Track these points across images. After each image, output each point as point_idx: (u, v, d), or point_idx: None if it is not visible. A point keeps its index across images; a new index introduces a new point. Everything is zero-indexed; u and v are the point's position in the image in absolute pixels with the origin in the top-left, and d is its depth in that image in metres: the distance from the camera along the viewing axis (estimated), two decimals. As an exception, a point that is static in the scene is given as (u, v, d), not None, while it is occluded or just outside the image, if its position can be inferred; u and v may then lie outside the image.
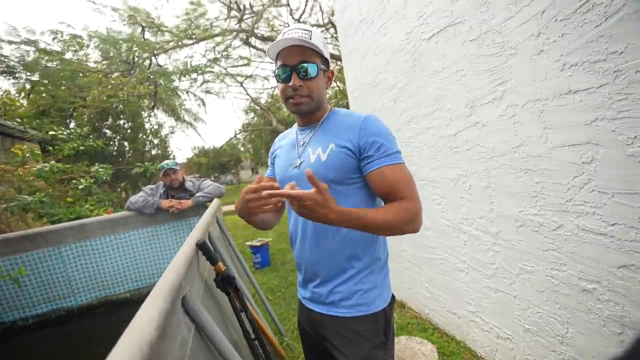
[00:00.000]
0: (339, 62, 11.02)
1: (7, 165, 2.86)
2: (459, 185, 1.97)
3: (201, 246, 1.08)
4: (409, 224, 0.86)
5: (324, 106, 1.01)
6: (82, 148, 3.49)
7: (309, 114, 0.99)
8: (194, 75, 10.51)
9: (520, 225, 1.59)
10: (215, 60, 10.29)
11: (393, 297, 1.01)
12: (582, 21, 1.19)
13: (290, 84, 0.91)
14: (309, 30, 0.93)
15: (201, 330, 0.80)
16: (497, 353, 1.85)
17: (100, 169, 3.34)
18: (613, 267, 1.21)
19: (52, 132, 3.51)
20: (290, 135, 1.10)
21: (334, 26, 9.90)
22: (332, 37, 10.99)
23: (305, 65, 0.91)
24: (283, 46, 0.92)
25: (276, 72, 0.96)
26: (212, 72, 10.70)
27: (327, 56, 0.97)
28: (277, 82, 0.97)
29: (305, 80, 0.92)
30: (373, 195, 0.96)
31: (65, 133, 3.46)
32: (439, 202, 2.16)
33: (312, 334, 1.03)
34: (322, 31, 10.79)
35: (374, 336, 0.92)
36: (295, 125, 1.09)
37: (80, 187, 3.13)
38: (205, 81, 11.10)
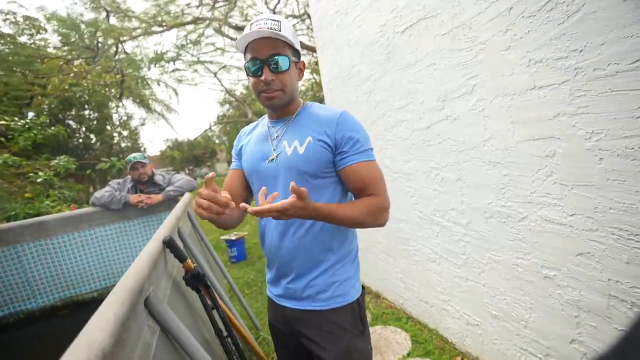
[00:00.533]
0: (314, 54, 10.93)
1: (-46, 158, 2.62)
2: (431, 177, 2.01)
3: (168, 243, 1.03)
4: (376, 219, 0.92)
5: (296, 99, 1.00)
6: (40, 137, 3.25)
7: (283, 107, 0.97)
8: (164, 63, 10.07)
9: (489, 217, 1.65)
10: (183, 47, 9.89)
11: (363, 287, 1.04)
12: (547, 19, 1.23)
13: (262, 78, 0.89)
14: (278, 21, 0.90)
15: (167, 331, 0.77)
16: (466, 339, 1.93)
17: (62, 162, 3.14)
18: (572, 255, 1.28)
19: (2, 122, 3.25)
20: (259, 128, 1.07)
21: (309, 17, 9.78)
22: (308, 28, 10.86)
23: (276, 58, 0.88)
24: (252, 38, 0.88)
25: (246, 65, 0.92)
26: (182, 59, 10.30)
27: (298, 47, 0.95)
28: (248, 75, 0.94)
29: (277, 74, 0.90)
30: (345, 190, 0.99)
31: (19, 123, 3.20)
32: (412, 194, 2.20)
33: (285, 332, 1.02)
34: (297, 22, 10.64)
35: (352, 326, 0.94)
36: (265, 118, 1.07)
37: (39, 180, 2.92)
38: (176, 69, 10.67)
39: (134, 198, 2.47)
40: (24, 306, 2.20)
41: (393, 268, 2.57)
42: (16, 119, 3.32)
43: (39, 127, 3.27)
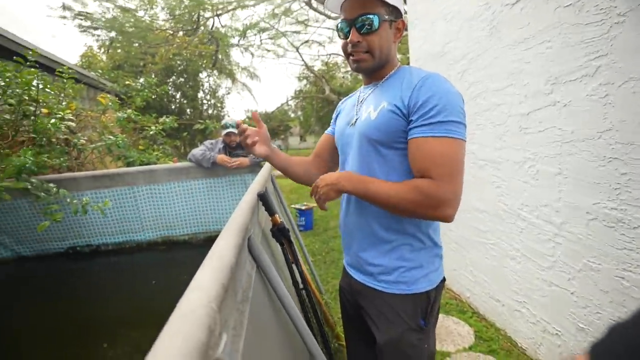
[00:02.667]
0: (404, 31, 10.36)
1: (93, 112, 3.22)
2: (524, 168, 1.83)
3: (262, 197, 1.14)
4: (425, 208, 0.76)
5: (391, 62, 0.91)
6: (153, 97, 3.81)
7: (374, 71, 0.91)
8: (255, 32, 10.62)
9: (592, 219, 1.45)
10: (275, 16, 10.24)
11: (444, 280, 0.94)
12: None
13: (349, 39, 0.84)
14: None
15: (262, 270, 0.88)
16: (541, 347, 1.79)
17: (167, 120, 3.63)
18: (702, 276, 1.07)
19: (127, 82, 3.86)
20: (356, 93, 1.05)
21: (400, -10, 9.24)
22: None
23: (363, 17, 0.82)
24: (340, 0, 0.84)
25: (338, 26, 0.88)
26: (270, 28, 10.71)
27: (397, 4, 0.85)
28: (340, 38, 0.90)
29: (365, 35, 0.83)
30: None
31: (139, 84, 3.78)
32: (499, 185, 2.03)
33: (350, 301, 1.03)
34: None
35: (411, 318, 0.87)
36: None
37: (151, 132, 3.43)
38: (262, 40, 11.18)
39: (220, 158, 2.75)
40: (136, 237, 2.69)
41: (463, 259, 2.46)
42: (136, 80, 3.93)
43: (151, 87, 3.80)
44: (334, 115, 1.13)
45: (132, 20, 9.23)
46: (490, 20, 2.00)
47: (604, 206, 1.40)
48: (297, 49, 12.87)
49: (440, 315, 2.27)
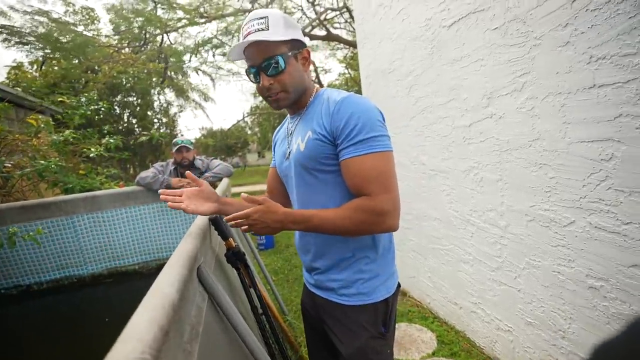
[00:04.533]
0: (352, 48, 10.81)
1: (22, 135, 2.90)
2: (470, 177, 1.96)
3: (214, 221, 1.09)
4: (369, 225, 0.80)
5: (308, 89, 0.94)
6: (89, 113, 3.53)
7: (293, 105, 0.94)
8: (207, 49, 10.41)
9: (530, 220, 1.58)
10: (223, 35, 10.16)
11: (399, 285, 0.98)
12: (615, 12, 1.15)
13: (261, 84, 0.87)
14: (264, 17, 0.84)
15: (214, 300, 0.83)
16: (496, 344, 1.88)
17: (111, 140, 3.39)
18: (623, 266, 1.20)
19: (60, 99, 3.54)
20: (284, 124, 1.07)
21: (348, 10, 9.68)
22: (346, 21, 10.76)
23: (269, 61, 0.84)
24: (243, 47, 0.86)
25: (247, 72, 0.90)
26: (221, 46, 10.58)
27: (297, 36, 0.88)
28: (252, 82, 0.92)
29: (274, 76, 0.85)
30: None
31: (74, 100, 3.48)
32: (449, 192, 2.15)
33: (314, 316, 1.04)
34: (336, 15, 10.58)
35: (372, 326, 0.89)
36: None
37: (92, 155, 3.16)
38: (214, 55, 10.99)
39: (176, 182, 2.61)
40: (77, 271, 2.42)
41: (422, 267, 2.54)
42: (72, 97, 3.61)
43: (89, 103, 3.53)
44: (272, 148, 1.14)
45: (71, 35, 8.62)
46: (431, 40, 2.16)
47: (539, 208, 1.53)
48: (252, 65, 12.86)
49: (403, 324, 2.30)
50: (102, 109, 3.89)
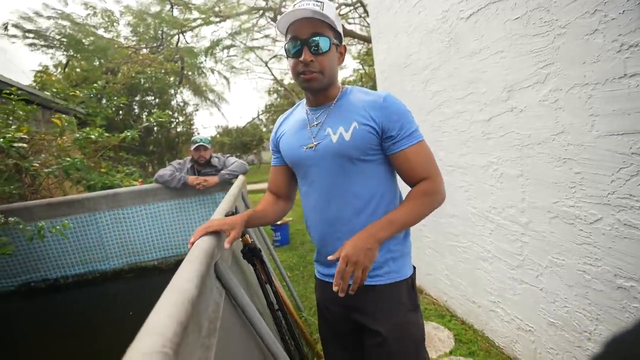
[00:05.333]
0: (365, 44, 10.70)
1: (48, 135, 3.01)
2: (489, 172, 1.90)
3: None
4: (435, 202, 0.92)
5: (336, 84, 0.98)
6: (111, 112, 3.65)
7: (321, 92, 0.95)
8: (219, 51, 10.54)
9: (553, 217, 1.52)
10: (237, 34, 10.24)
11: (414, 268, 1.03)
12: (647, -3, 1.08)
13: (302, 58, 0.87)
14: (321, 2, 0.87)
15: (231, 296, 0.83)
16: (516, 344, 1.83)
17: (128, 133, 3.48)
18: (655, 265, 1.14)
19: (73, 94, 3.67)
20: (296, 115, 1.05)
21: (362, 5, 9.57)
22: (360, 16, 10.64)
23: (317, 39, 0.86)
24: (294, 18, 0.87)
25: (286, 46, 0.91)
26: (236, 46, 10.69)
27: (340, 30, 0.93)
28: (287, 57, 0.93)
29: (317, 55, 0.87)
30: (392, 171, 0.98)
31: (88, 95, 3.59)
32: (467, 189, 2.10)
33: (335, 311, 1.02)
34: (350, 10, 10.48)
35: (408, 300, 0.95)
36: (303, 104, 1.05)
37: (109, 147, 3.22)
38: (228, 57, 11.10)
39: (192, 179, 2.65)
40: (100, 267, 2.51)
41: (439, 264, 2.50)
42: (84, 91, 3.72)
43: (110, 102, 3.63)
44: (272, 144, 1.11)
45: (92, 38, 8.88)
46: (448, 33, 2.10)
47: (563, 204, 1.47)
48: (266, 63, 12.93)
49: (421, 322, 2.27)
50: (122, 105, 3.99)
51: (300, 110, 1.05)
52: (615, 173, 1.23)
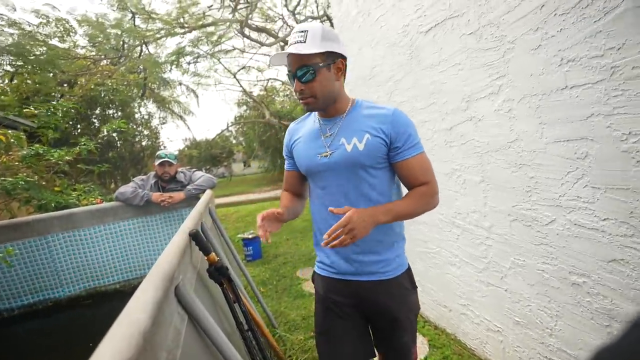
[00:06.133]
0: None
1: (-11, 152, 2.76)
2: (453, 179, 1.98)
3: (194, 236, 1.05)
4: (430, 204, 1.06)
5: (342, 97, 1.08)
6: (62, 122, 3.35)
7: (323, 109, 1.07)
8: (183, 61, 10.29)
9: (513, 220, 1.60)
10: (200, 41, 10.08)
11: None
12: (581, 16, 1.19)
13: (294, 87, 1.01)
14: (304, 32, 0.98)
15: (194, 320, 0.79)
16: (486, 345, 1.88)
17: (84, 145, 3.24)
18: (603, 262, 1.23)
19: (26, 110, 3.38)
20: (308, 125, 1.16)
21: (329, 19, 9.80)
22: (327, 29, 10.88)
23: (302, 69, 0.98)
24: (284, 56, 1.01)
25: (287, 75, 1.06)
26: (200, 54, 10.50)
27: (333, 48, 1.00)
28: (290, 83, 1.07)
29: (305, 83, 0.99)
30: (393, 176, 1.11)
31: (43, 110, 3.30)
32: (433, 196, 2.16)
33: (345, 302, 1.12)
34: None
35: (409, 284, 1.14)
36: (315, 115, 1.15)
37: (53, 160, 2.95)
38: (195, 61, 10.86)
39: (156, 197, 2.53)
40: (52, 294, 2.30)
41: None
42: (40, 107, 3.42)
43: (62, 110, 3.37)
44: (286, 150, 1.23)
45: (43, 48, 8.35)
46: (409, 46, 2.19)
47: (521, 207, 1.55)
48: (235, 75, 12.80)
49: (395, 330, 2.28)
50: (72, 109, 3.71)
51: (313, 120, 1.16)
52: (564, 177, 1.32)
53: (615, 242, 1.18)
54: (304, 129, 1.17)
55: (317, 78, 0.99)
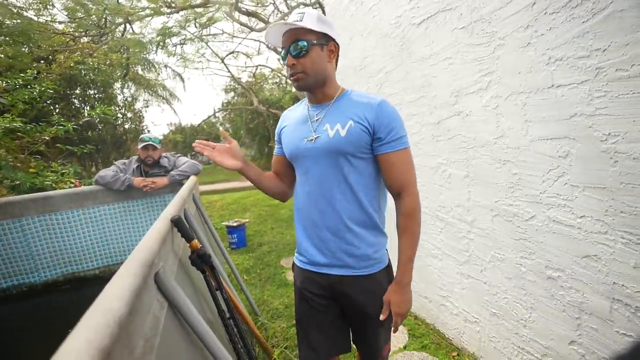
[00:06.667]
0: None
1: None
2: (438, 173, 2.00)
3: (176, 222, 1.03)
4: (419, 220, 1.05)
5: (332, 83, 1.08)
6: (34, 95, 3.19)
7: (312, 88, 1.05)
8: (171, 43, 9.94)
9: (495, 215, 1.64)
10: (188, 22, 9.75)
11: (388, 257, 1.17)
12: (570, 16, 1.20)
13: (286, 62, 1.01)
14: (301, 13, 1.00)
15: (175, 307, 0.77)
16: (464, 335, 1.95)
17: (60, 125, 3.11)
18: (577, 257, 1.27)
19: None
20: (298, 111, 1.16)
21: (321, 6, 9.62)
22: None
23: (295, 44, 0.99)
24: (276, 31, 1.01)
25: (281, 55, 1.05)
26: (187, 38, 10.17)
27: (327, 31, 1.01)
28: (283, 65, 1.06)
29: (298, 58, 0.99)
30: (379, 171, 1.07)
31: (12, 83, 3.11)
32: (419, 188, 2.18)
33: (320, 294, 1.11)
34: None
35: (387, 283, 1.10)
36: (305, 102, 1.15)
37: (45, 138, 2.80)
38: (182, 43, 10.51)
39: (138, 181, 2.46)
40: (27, 279, 2.22)
41: (393, 261, 2.57)
42: (8, 80, 3.24)
43: (40, 90, 3.20)
44: (277, 135, 1.23)
45: (17, 20, 7.86)
46: (401, 38, 2.18)
47: (503, 203, 1.59)
48: (223, 60, 12.46)
49: (377, 319, 2.33)
50: (49, 90, 3.55)
51: (303, 106, 1.15)
52: (546, 174, 1.36)
53: (590, 238, 1.22)
54: (294, 114, 1.17)
55: (309, 54, 0.99)
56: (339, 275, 1.08)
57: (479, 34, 1.60)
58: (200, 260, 1.07)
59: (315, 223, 1.08)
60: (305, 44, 0.98)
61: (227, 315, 1.13)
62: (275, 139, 1.24)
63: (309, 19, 0.99)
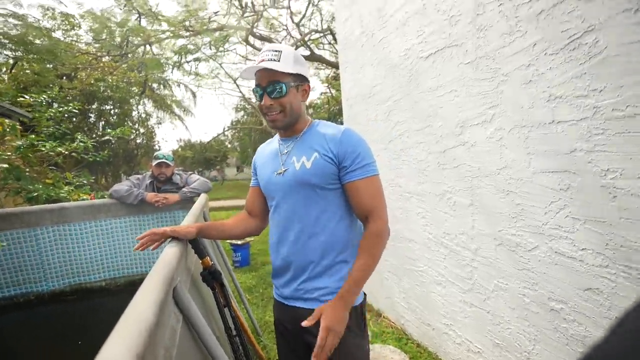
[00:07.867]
0: (334, 69, 11.13)
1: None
2: (444, 200, 2.04)
3: (192, 241, 1.08)
4: (382, 246, 1.01)
5: (303, 118, 1.10)
6: (59, 114, 3.40)
7: (287, 127, 1.07)
8: (185, 61, 10.37)
9: (498, 244, 1.66)
10: (204, 44, 10.19)
11: (364, 294, 1.09)
12: (569, 57, 1.28)
13: (263, 102, 1.02)
14: (278, 51, 1.00)
15: (188, 321, 0.81)
16: (466, 365, 1.92)
17: (81, 142, 3.26)
18: (580, 289, 1.29)
19: (21, 99, 3.41)
20: (271, 145, 1.18)
21: (332, 33, 10.02)
22: (329, 43, 11.11)
23: (273, 85, 0.99)
24: (254, 71, 1.02)
25: (253, 90, 1.06)
26: (201, 57, 10.60)
27: (302, 72, 1.04)
28: (255, 99, 1.08)
29: (275, 99, 1.00)
30: (347, 200, 1.06)
31: (38, 99, 3.32)
32: (424, 215, 2.22)
33: (291, 329, 1.07)
34: (320, 37, 10.94)
35: (355, 326, 1.00)
36: (277, 136, 1.17)
37: (44, 151, 2.97)
38: (197, 61, 10.94)
39: (151, 197, 2.54)
40: (35, 288, 2.26)
41: (397, 287, 2.57)
42: (34, 95, 3.46)
43: (59, 100, 3.40)
44: (252, 168, 1.25)
45: (45, 39, 8.34)
46: (409, 69, 2.28)
47: (506, 232, 1.62)
48: (235, 80, 12.90)
49: (377, 345, 2.30)
50: (75, 110, 3.75)
51: (276, 140, 1.17)
52: (548, 206, 1.39)
53: (592, 271, 1.24)
54: (268, 148, 1.19)
55: (287, 96, 1.00)
56: (300, 308, 1.04)
57: (484, 70, 1.69)
58: (212, 277, 1.12)
59: (284, 256, 1.06)
60: (284, 86, 0.99)
61: (234, 332, 1.16)
62: (252, 170, 1.26)
63: (286, 60, 0.99)
